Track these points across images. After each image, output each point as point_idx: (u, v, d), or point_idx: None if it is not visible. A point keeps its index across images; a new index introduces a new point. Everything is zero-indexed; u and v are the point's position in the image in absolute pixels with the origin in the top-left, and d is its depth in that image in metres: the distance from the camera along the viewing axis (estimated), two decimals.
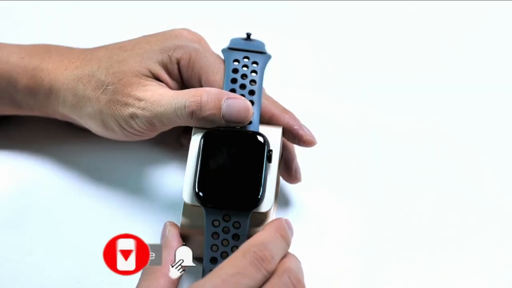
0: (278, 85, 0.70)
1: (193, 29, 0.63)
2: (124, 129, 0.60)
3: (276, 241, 0.51)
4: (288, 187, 0.65)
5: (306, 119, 0.62)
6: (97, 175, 0.66)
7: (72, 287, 0.59)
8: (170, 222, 0.57)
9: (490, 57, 0.80)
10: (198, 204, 0.55)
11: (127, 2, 0.83)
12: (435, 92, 0.76)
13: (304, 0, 0.85)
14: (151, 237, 0.61)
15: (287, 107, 0.62)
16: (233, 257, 0.50)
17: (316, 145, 0.62)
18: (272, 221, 0.53)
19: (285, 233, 0.53)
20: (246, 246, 0.50)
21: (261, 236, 0.51)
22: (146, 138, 0.62)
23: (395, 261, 0.61)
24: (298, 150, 0.64)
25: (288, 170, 0.63)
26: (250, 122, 0.58)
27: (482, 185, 0.68)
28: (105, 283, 0.59)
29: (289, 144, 0.62)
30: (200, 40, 0.62)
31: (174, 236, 0.55)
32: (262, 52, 0.62)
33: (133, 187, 0.65)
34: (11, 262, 0.60)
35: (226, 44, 0.63)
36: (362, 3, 0.85)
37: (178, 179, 0.65)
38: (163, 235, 0.56)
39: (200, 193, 0.55)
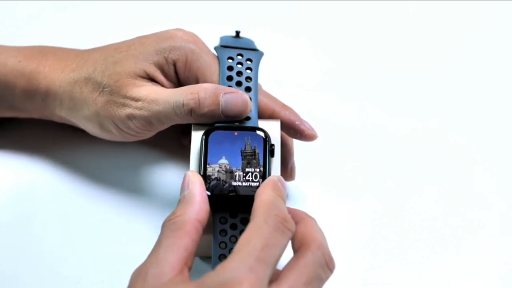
0: (277, 84, 0.70)
1: (192, 30, 0.63)
2: (121, 130, 0.60)
3: (281, 200, 0.49)
4: (287, 187, 0.65)
5: (306, 118, 0.62)
6: (96, 175, 0.66)
7: (72, 287, 0.59)
8: (192, 172, 0.52)
9: (490, 57, 0.80)
10: None
11: (123, 2, 0.83)
12: (435, 92, 0.76)
13: (303, 0, 0.85)
14: (151, 237, 0.61)
15: None
16: (255, 225, 0.46)
17: (316, 144, 0.62)
18: (266, 182, 0.50)
19: (281, 192, 0.50)
20: (264, 210, 0.47)
21: (267, 197, 0.48)
22: (143, 138, 0.62)
23: (395, 261, 0.61)
24: (297, 150, 0.64)
25: (285, 166, 0.63)
26: (249, 118, 0.58)
27: (482, 185, 0.68)
28: (105, 283, 0.59)
29: (288, 141, 0.62)
30: (195, 40, 0.61)
31: (197, 190, 0.51)
32: (254, 49, 0.62)
33: (133, 187, 0.65)
34: (12, 262, 0.60)
35: None
36: (362, 3, 0.85)
37: (178, 179, 0.65)
38: (185, 188, 0.51)
39: (206, 191, 0.55)
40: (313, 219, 0.50)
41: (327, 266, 0.47)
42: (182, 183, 0.52)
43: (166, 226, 0.48)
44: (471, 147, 0.71)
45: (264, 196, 0.48)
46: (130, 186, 0.65)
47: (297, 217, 0.50)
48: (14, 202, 0.64)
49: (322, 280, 0.47)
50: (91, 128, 0.62)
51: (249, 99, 0.58)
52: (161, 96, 0.58)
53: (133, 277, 0.46)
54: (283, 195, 0.50)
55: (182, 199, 0.50)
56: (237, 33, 0.63)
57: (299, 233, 0.48)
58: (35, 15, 0.81)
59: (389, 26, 0.83)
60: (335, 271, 0.60)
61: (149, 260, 0.47)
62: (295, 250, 0.48)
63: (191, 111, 0.57)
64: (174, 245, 0.47)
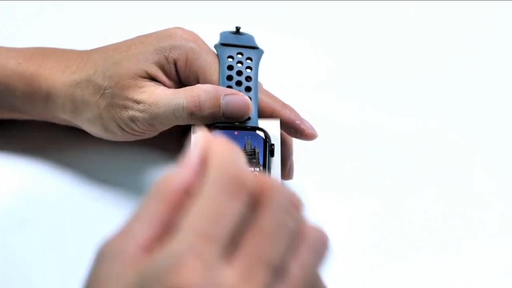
0: (277, 84, 0.70)
1: (192, 30, 0.63)
2: (125, 131, 0.60)
3: (235, 150, 0.38)
4: (287, 186, 0.65)
5: (306, 118, 0.62)
6: (97, 176, 0.65)
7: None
8: (203, 130, 0.41)
9: (490, 57, 0.80)
10: None
11: (123, 2, 0.83)
12: (435, 92, 0.76)
13: (303, 0, 0.85)
14: None
15: None
16: (203, 193, 0.36)
17: (316, 144, 0.62)
18: (207, 136, 0.39)
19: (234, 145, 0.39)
20: (215, 171, 0.36)
21: (220, 150, 0.37)
22: (147, 137, 0.62)
23: (395, 261, 0.61)
24: (297, 149, 0.64)
25: (283, 166, 0.62)
26: (249, 118, 0.58)
27: (482, 185, 0.68)
28: None
29: (288, 140, 0.62)
30: (195, 39, 0.61)
31: (196, 152, 0.38)
32: (255, 47, 0.62)
33: (134, 188, 0.65)
34: (12, 263, 0.60)
35: None
36: (362, 3, 0.85)
37: None
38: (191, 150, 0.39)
39: None
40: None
41: (293, 206, 0.38)
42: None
43: (152, 188, 0.38)
44: (471, 147, 0.71)
45: (214, 149, 0.38)
46: (130, 187, 0.65)
47: None
48: (15, 203, 0.64)
49: (288, 226, 0.37)
50: (95, 130, 0.62)
51: (250, 101, 0.58)
52: (161, 99, 0.58)
53: (99, 251, 0.38)
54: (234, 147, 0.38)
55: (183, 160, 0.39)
56: (237, 29, 0.63)
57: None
58: (35, 15, 0.81)
59: (389, 26, 0.83)
60: (335, 271, 0.60)
61: (119, 230, 0.38)
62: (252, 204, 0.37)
63: (191, 114, 0.58)
64: (148, 215, 0.37)
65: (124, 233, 0.37)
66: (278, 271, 0.36)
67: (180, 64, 0.60)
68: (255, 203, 0.37)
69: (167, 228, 0.36)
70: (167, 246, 0.35)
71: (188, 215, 0.35)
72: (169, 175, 0.38)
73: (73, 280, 0.59)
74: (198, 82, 0.60)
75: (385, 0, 0.85)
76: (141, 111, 0.59)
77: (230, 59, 0.61)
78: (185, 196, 0.37)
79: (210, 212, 0.35)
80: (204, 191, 0.36)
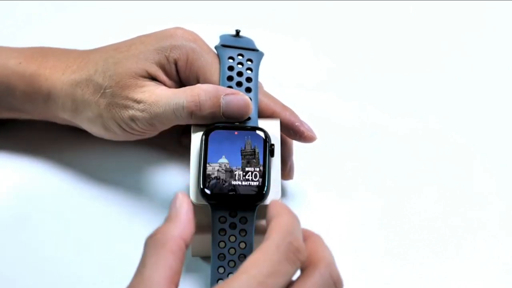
0: (277, 84, 0.70)
1: (192, 30, 0.63)
2: (125, 130, 0.60)
3: (298, 226, 0.46)
4: (287, 187, 0.65)
5: (306, 119, 0.62)
6: (97, 176, 0.66)
7: (72, 287, 0.59)
8: (182, 192, 0.48)
9: (490, 57, 0.80)
10: (205, 203, 0.55)
11: (123, 2, 0.83)
12: (435, 92, 0.76)
13: (303, 0, 0.85)
14: None
15: None
16: (266, 249, 0.44)
17: (315, 145, 0.62)
18: (280, 205, 0.47)
19: (297, 218, 0.47)
20: (280, 236, 0.45)
21: (286, 221, 0.46)
22: (148, 137, 0.62)
23: (395, 261, 0.61)
24: (297, 150, 0.64)
25: (283, 165, 0.63)
26: (249, 119, 0.59)
27: (482, 185, 0.68)
28: (105, 283, 0.59)
29: (288, 140, 0.62)
30: (195, 39, 0.61)
31: (184, 209, 0.47)
32: (255, 50, 0.62)
33: (134, 188, 0.65)
34: (12, 263, 0.60)
35: None
36: (362, 3, 0.85)
37: (179, 179, 0.65)
38: (172, 207, 0.48)
39: (206, 190, 0.55)
40: (320, 236, 0.48)
41: (334, 284, 0.46)
42: (171, 202, 0.48)
43: (148, 243, 0.46)
44: (471, 147, 0.71)
45: (282, 219, 0.46)
46: (130, 186, 0.65)
47: (303, 234, 0.47)
48: (15, 203, 0.64)
49: None
50: (95, 130, 0.62)
51: (250, 101, 0.58)
52: (162, 98, 0.58)
53: None
54: (299, 221, 0.47)
55: (167, 216, 0.47)
56: (237, 32, 0.63)
57: (307, 251, 0.46)
58: (35, 15, 0.82)
59: (389, 26, 0.83)
60: None
61: (135, 281, 0.44)
62: (302, 268, 0.46)
63: (191, 114, 0.58)
64: (158, 264, 0.44)
65: (140, 281, 0.44)
66: None
67: (181, 64, 0.60)
68: (305, 267, 0.46)
69: (175, 272, 0.44)
70: (231, 284, 0.43)
71: (252, 264, 0.44)
72: (166, 228, 0.46)
73: (73, 279, 0.60)
74: (198, 82, 0.60)
75: (385, 0, 0.85)
76: (141, 111, 0.59)
77: (230, 60, 0.61)
78: (182, 243, 0.46)
79: (270, 268, 0.43)
80: (268, 250, 0.44)
